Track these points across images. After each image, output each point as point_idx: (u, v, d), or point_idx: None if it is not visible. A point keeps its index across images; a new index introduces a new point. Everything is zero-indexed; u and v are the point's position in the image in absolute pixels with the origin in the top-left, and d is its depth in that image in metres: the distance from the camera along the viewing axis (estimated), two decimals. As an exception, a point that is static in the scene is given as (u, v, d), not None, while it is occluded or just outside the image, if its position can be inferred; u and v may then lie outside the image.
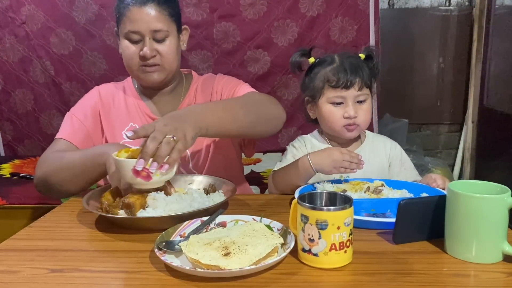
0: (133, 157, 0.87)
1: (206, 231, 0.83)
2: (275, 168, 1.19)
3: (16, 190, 1.94)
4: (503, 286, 0.67)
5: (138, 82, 1.31)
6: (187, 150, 1.26)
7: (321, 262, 0.71)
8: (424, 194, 1.01)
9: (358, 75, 1.13)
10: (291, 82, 2.50)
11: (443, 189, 1.02)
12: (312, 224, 0.70)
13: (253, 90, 1.25)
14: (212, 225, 0.86)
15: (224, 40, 2.48)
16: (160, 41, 1.19)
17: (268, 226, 0.82)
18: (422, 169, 2.45)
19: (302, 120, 1.33)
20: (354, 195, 1.00)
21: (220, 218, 0.87)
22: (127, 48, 1.20)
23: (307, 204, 0.71)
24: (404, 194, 1.03)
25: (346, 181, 1.10)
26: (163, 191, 0.97)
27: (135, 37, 1.18)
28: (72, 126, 1.24)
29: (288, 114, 2.49)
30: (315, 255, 0.71)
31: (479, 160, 2.73)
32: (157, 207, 0.91)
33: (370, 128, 2.42)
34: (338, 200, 0.77)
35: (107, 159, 0.99)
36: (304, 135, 1.28)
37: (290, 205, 0.79)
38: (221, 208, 0.94)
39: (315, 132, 1.28)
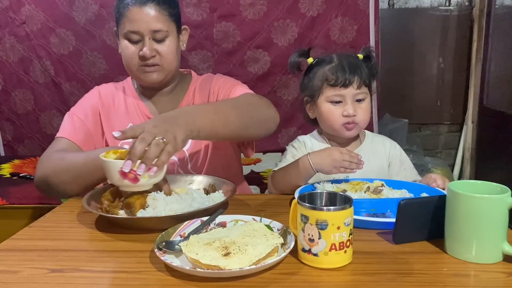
0: (121, 159, 0.85)
1: (206, 231, 0.83)
2: (275, 168, 1.19)
3: (16, 190, 1.94)
4: (503, 286, 0.67)
5: (137, 82, 1.31)
6: (186, 151, 1.26)
7: (321, 262, 0.71)
8: (424, 194, 1.01)
9: (357, 73, 1.13)
10: (291, 82, 2.50)
11: (443, 189, 1.02)
12: (312, 224, 0.70)
13: (250, 91, 1.24)
14: (212, 225, 0.86)
15: (224, 40, 2.48)
16: (159, 41, 1.19)
17: (268, 226, 0.82)
18: (422, 169, 2.45)
19: (302, 120, 1.32)
20: (354, 195, 1.00)
21: (220, 218, 0.87)
22: (127, 48, 1.20)
23: (307, 204, 0.71)
24: (404, 194, 1.03)
25: (346, 181, 1.11)
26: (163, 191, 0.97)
27: (134, 37, 1.18)
28: (73, 125, 1.24)
29: (288, 114, 2.55)
30: (315, 255, 0.71)
31: (479, 160, 2.73)
32: (157, 207, 0.91)
33: (370, 128, 2.43)
34: (338, 200, 0.77)
35: None
36: (303, 135, 1.28)
37: (290, 205, 0.79)
38: (221, 208, 0.94)
39: (315, 132, 1.28)
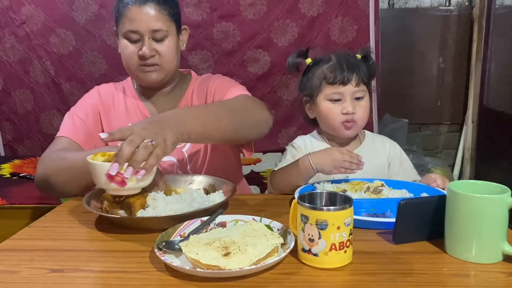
0: (109, 161, 0.82)
1: (206, 231, 0.83)
2: (275, 168, 1.19)
3: (16, 190, 1.94)
4: (503, 286, 0.67)
5: (137, 82, 1.31)
6: (185, 152, 1.26)
7: (321, 262, 0.71)
8: (424, 194, 1.01)
9: (355, 71, 1.14)
10: (291, 82, 2.50)
11: (443, 189, 1.02)
12: (312, 224, 0.70)
13: (245, 92, 1.23)
14: (212, 225, 0.86)
15: (224, 40, 2.48)
16: (159, 40, 1.19)
17: (268, 226, 0.82)
18: (422, 169, 2.45)
19: (302, 120, 1.32)
20: (354, 195, 1.00)
21: (220, 218, 0.87)
22: (126, 48, 1.20)
23: (307, 204, 0.71)
24: (404, 194, 1.03)
25: (346, 181, 1.11)
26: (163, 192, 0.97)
27: (134, 36, 1.18)
28: (73, 125, 1.24)
29: (288, 114, 2.55)
30: (315, 255, 0.71)
31: (479, 160, 2.73)
32: (157, 207, 0.91)
33: (370, 128, 2.43)
34: (338, 200, 0.77)
35: None
36: (303, 135, 1.28)
37: (290, 205, 0.79)
38: (221, 208, 0.94)
39: (314, 132, 1.28)
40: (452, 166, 2.87)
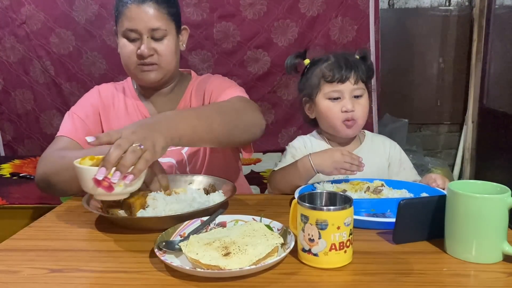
0: (97, 165, 0.79)
1: (206, 231, 0.83)
2: (275, 168, 1.19)
3: (16, 190, 1.94)
4: (503, 286, 0.67)
5: (136, 81, 1.31)
6: (184, 153, 1.26)
7: (321, 262, 0.71)
8: (424, 194, 1.01)
9: (353, 69, 1.14)
10: (291, 82, 2.50)
11: (443, 189, 1.02)
12: (312, 224, 0.70)
13: (241, 94, 1.21)
14: (212, 225, 0.86)
15: (224, 40, 2.48)
16: (158, 40, 1.18)
17: (268, 226, 0.82)
18: (422, 169, 2.45)
19: (302, 120, 1.32)
20: (354, 195, 1.00)
21: (220, 218, 0.87)
22: (125, 47, 1.19)
23: (307, 204, 0.71)
24: (404, 194, 1.03)
25: (346, 181, 1.11)
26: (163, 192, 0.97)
27: (133, 35, 1.17)
28: (74, 124, 1.24)
29: (288, 114, 2.55)
30: (315, 255, 0.71)
31: (479, 160, 2.73)
32: (157, 207, 0.91)
33: (370, 128, 2.43)
34: (338, 200, 0.77)
35: None
36: (303, 135, 1.28)
37: (290, 205, 0.79)
38: (221, 208, 0.94)
39: (314, 132, 1.28)
40: (452, 166, 2.87)
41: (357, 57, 1.20)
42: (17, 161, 2.42)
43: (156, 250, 0.73)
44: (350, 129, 1.17)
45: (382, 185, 1.06)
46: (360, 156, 1.04)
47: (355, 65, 1.15)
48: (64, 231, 0.91)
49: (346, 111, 1.14)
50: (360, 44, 2.42)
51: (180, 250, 0.74)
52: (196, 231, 0.82)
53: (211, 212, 0.90)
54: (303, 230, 0.72)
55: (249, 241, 0.74)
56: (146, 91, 1.30)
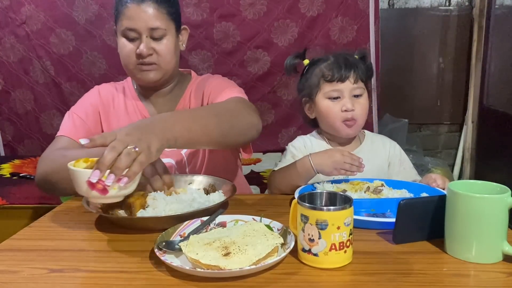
0: (92, 168, 0.78)
1: (206, 231, 0.83)
2: (275, 168, 1.19)
3: (16, 190, 1.94)
4: (503, 286, 0.67)
5: (135, 81, 1.31)
6: (183, 154, 1.26)
7: (321, 262, 0.71)
8: (424, 194, 1.01)
9: (353, 68, 1.15)
10: (291, 82, 2.50)
11: (443, 189, 1.02)
12: (312, 224, 0.70)
13: (239, 94, 1.19)
14: (212, 225, 0.86)
15: (224, 40, 2.48)
16: (157, 39, 1.18)
17: (268, 226, 0.82)
18: (422, 169, 2.45)
19: (302, 120, 1.32)
20: (354, 195, 1.00)
21: (220, 218, 0.87)
22: (124, 46, 1.19)
23: (307, 204, 0.71)
24: (404, 194, 1.03)
25: (346, 181, 1.11)
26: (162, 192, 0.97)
27: (132, 34, 1.17)
28: (74, 124, 1.24)
29: (288, 114, 2.55)
30: (315, 255, 0.71)
31: (479, 160, 2.73)
32: (157, 207, 0.91)
33: (370, 128, 2.43)
34: (338, 200, 0.77)
35: None
36: (303, 136, 1.28)
37: (290, 205, 0.79)
38: (221, 208, 0.94)
39: (314, 132, 1.29)
40: (452, 166, 2.87)
41: (356, 57, 1.20)
42: (17, 161, 2.42)
43: (156, 250, 0.73)
44: (350, 128, 1.17)
45: (382, 185, 1.06)
46: (360, 157, 1.04)
47: (355, 64, 1.15)
48: (64, 231, 0.91)
49: (346, 110, 1.14)
50: (360, 44, 2.42)
51: (180, 250, 0.74)
52: (196, 231, 0.82)
53: (211, 212, 0.90)
54: (303, 230, 0.72)
55: (249, 241, 0.74)
56: (146, 91, 1.30)
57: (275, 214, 0.89)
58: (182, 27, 1.28)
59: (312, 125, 1.27)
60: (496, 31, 2.53)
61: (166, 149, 0.86)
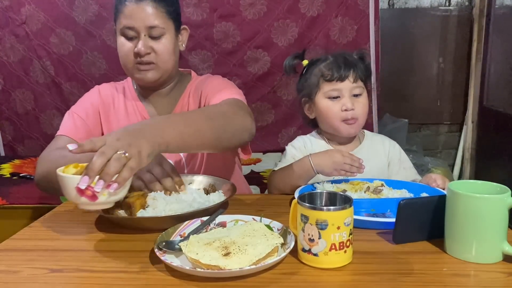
0: (81, 174, 0.76)
1: (206, 231, 0.83)
2: (275, 168, 1.19)
3: (16, 190, 1.94)
4: (503, 286, 0.67)
5: (134, 81, 1.30)
6: (182, 155, 1.25)
7: (321, 262, 0.71)
8: (424, 194, 1.01)
9: (352, 68, 1.15)
10: (291, 82, 2.50)
11: (443, 189, 1.02)
12: (312, 224, 0.70)
13: (234, 96, 1.17)
14: (212, 225, 0.86)
15: (224, 40, 2.48)
16: (155, 38, 1.18)
17: (268, 226, 0.82)
18: (422, 169, 2.45)
19: (302, 120, 1.32)
20: (354, 195, 1.00)
21: (220, 218, 0.87)
22: (123, 45, 1.19)
23: (307, 204, 0.71)
24: (404, 194, 1.03)
25: (346, 181, 1.11)
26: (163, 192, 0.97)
27: (130, 33, 1.17)
28: (74, 123, 1.24)
29: (288, 114, 2.55)
30: (315, 255, 0.71)
31: (479, 160, 2.73)
32: (157, 207, 0.91)
33: (370, 128, 2.43)
34: (338, 200, 0.77)
35: None
36: (303, 136, 1.28)
37: (290, 205, 0.79)
38: (221, 208, 0.94)
39: (314, 132, 1.29)
40: (452, 166, 2.87)
41: (355, 57, 1.20)
42: (17, 161, 2.42)
43: (156, 250, 0.73)
44: (351, 126, 1.17)
45: (382, 185, 1.06)
46: (360, 158, 1.04)
47: (354, 64, 1.16)
48: (64, 231, 0.91)
49: (346, 110, 1.15)
50: (360, 44, 2.42)
51: (180, 250, 0.74)
52: (196, 231, 0.82)
53: (211, 212, 0.90)
54: (303, 230, 0.72)
55: (249, 241, 0.74)
56: (146, 91, 1.30)
57: (275, 214, 0.89)
58: (182, 27, 1.27)
59: (312, 125, 1.27)
60: (496, 31, 2.53)
61: None
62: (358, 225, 0.84)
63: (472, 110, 2.71)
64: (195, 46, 2.47)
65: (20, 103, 2.60)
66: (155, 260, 0.74)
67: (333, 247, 0.70)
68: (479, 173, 2.71)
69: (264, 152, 2.56)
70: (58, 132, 1.23)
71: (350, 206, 0.72)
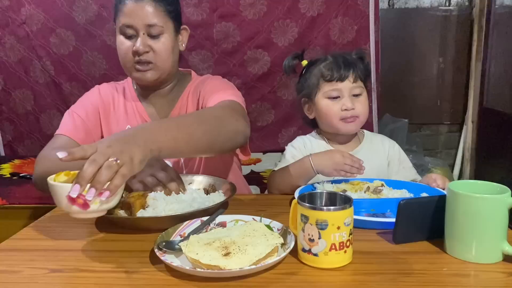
0: (72, 181, 0.74)
1: (206, 231, 0.83)
2: (275, 168, 1.20)
3: (16, 190, 1.94)
4: (503, 286, 0.67)
5: (134, 81, 1.30)
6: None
7: (321, 262, 0.71)
8: (424, 194, 1.01)
9: (352, 68, 1.15)
10: (291, 82, 2.50)
11: (443, 189, 1.02)
12: (312, 224, 0.70)
13: (230, 98, 1.15)
14: (212, 225, 0.86)
15: (224, 40, 2.48)
16: (154, 37, 1.18)
17: (268, 226, 0.82)
18: (422, 169, 2.45)
19: (302, 120, 1.32)
20: (354, 195, 1.00)
21: (220, 218, 0.87)
22: (122, 44, 1.19)
23: (307, 204, 0.71)
24: (404, 194, 1.03)
25: (346, 181, 1.11)
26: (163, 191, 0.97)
27: (129, 31, 1.17)
28: (74, 123, 1.23)
29: (288, 114, 2.55)
30: (315, 255, 0.71)
31: (479, 160, 2.73)
32: (157, 207, 0.91)
33: (370, 128, 2.43)
34: (338, 200, 0.77)
35: None
36: (303, 136, 1.28)
37: (290, 205, 0.79)
38: (221, 208, 0.94)
39: (313, 132, 1.29)
40: (452, 166, 2.87)
41: (354, 56, 1.20)
42: (17, 161, 2.42)
43: (156, 250, 0.73)
44: (350, 124, 1.17)
45: (382, 185, 1.06)
46: (361, 159, 1.04)
47: (354, 64, 1.16)
48: (64, 231, 0.91)
49: (346, 110, 1.15)
50: (360, 44, 2.41)
51: (180, 250, 0.74)
52: (196, 231, 0.82)
53: (211, 212, 0.90)
54: (303, 230, 0.72)
55: (249, 241, 0.74)
56: (145, 91, 1.30)
57: (275, 214, 0.89)
58: (182, 27, 1.27)
59: (312, 125, 1.27)
60: (496, 31, 2.53)
61: None
62: (358, 225, 0.84)
63: (472, 110, 2.71)
64: (195, 46, 2.47)
65: (20, 103, 2.60)
66: (155, 260, 0.74)
67: (333, 247, 0.70)
68: (479, 173, 2.71)
69: (264, 152, 2.56)
70: (57, 131, 1.22)
71: (350, 206, 0.72)
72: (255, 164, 2.42)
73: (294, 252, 0.74)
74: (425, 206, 0.81)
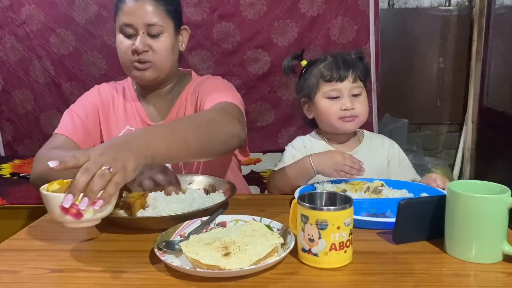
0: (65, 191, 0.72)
1: (206, 231, 0.83)
2: (275, 168, 1.20)
3: (16, 190, 1.94)
4: (503, 286, 0.67)
5: (133, 80, 1.30)
6: None
7: (321, 262, 0.71)
8: (424, 194, 1.02)
9: (351, 68, 1.15)
10: (291, 82, 2.49)
11: (443, 189, 1.02)
12: (312, 224, 0.70)
13: (227, 100, 1.14)
14: (212, 225, 0.86)
15: (224, 40, 2.48)
16: (154, 36, 1.18)
17: (268, 226, 0.82)
18: (422, 169, 2.45)
19: (301, 120, 1.32)
20: (354, 195, 1.00)
21: (220, 218, 0.87)
22: (121, 43, 1.19)
23: (307, 204, 0.71)
24: (404, 194, 1.03)
25: (346, 181, 1.11)
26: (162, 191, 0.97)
27: (129, 30, 1.17)
28: (73, 123, 1.23)
29: (288, 114, 2.55)
30: (315, 255, 0.71)
31: (479, 160, 2.73)
32: (157, 207, 0.91)
33: (370, 128, 2.43)
34: (338, 200, 0.77)
35: None
36: (302, 136, 1.28)
37: (290, 205, 0.79)
38: (221, 208, 0.94)
39: (313, 132, 1.29)
40: (452, 166, 2.87)
41: (354, 56, 1.20)
42: (17, 161, 2.41)
43: (156, 250, 0.73)
44: (349, 123, 1.17)
45: (382, 185, 1.06)
46: (361, 161, 1.04)
47: (353, 64, 1.16)
48: (64, 231, 0.91)
49: (345, 109, 1.15)
50: (360, 44, 2.41)
51: (180, 250, 0.74)
52: (196, 231, 0.82)
53: (211, 212, 0.90)
54: (303, 230, 0.72)
55: (249, 241, 0.74)
56: (145, 91, 1.30)
57: (275, 214, 0.89)
58: (183, 27, 1.27)
59: (311, 125, 1.27)
60: (496, 31, 2.53)
61: None
62: (358, 225, 0.84)
63: (472, 110, 2.71)
64: (195, 46, 2.47)
65: (20, 103, 2.60)
66: (155, 260, 0.74)
67: (333, 247, 0.70)
68: (479, 173, 2.71)
69: (264, 152, 2.56)
70: (56, 131, 1.21)
71: (350, 206, 0.72)
72: (255, 164, 2.42)
73: (294, 252, 0.74)
74: (425, 206, 0.81)
